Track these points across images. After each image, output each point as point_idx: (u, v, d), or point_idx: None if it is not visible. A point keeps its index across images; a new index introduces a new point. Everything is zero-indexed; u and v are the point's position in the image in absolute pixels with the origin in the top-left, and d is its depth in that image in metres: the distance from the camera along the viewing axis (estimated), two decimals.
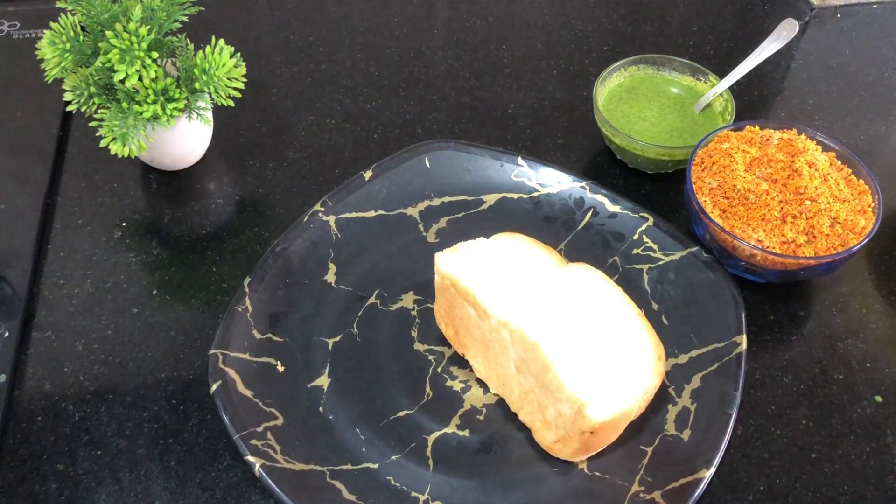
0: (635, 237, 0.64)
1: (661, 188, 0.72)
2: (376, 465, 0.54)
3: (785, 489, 0.54)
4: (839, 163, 0.64)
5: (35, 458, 0.54)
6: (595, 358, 0.52)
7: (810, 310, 0.64)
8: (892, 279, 0.66)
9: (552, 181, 0.68)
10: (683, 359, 0.58)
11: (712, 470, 0.51)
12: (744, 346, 0.56)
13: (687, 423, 0.54)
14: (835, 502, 0.54)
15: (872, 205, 0.61)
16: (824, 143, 0.65)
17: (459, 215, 0.67)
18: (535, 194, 0.68)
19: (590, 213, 0.66)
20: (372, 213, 0.66)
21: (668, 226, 0.64)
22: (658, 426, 0.55)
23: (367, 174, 0.67)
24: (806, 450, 0.56)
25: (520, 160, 0.68)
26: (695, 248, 0.62)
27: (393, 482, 0.53)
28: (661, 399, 0.56)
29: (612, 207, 0.66)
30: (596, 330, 0.53)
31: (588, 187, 0.67)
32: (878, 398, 0.59)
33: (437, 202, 0.68)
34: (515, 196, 0.68)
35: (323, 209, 0.65)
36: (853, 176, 0.63)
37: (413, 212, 0.67)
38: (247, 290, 0.59)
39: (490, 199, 0.68)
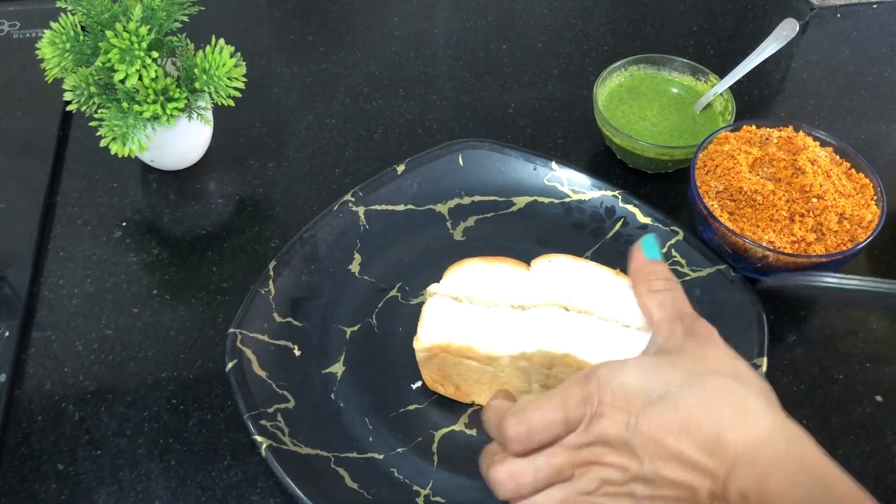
0: (664, 251, 0.64)
1: (662, 188, 0.72)
2: (381, 456, 0.54)
3: None
4: (838, 157, 0.64)
5: (35, 457, 0.54)
6: (611, 332, 0.51)
7: (810, 310, 0.64)
8: (892, 279, 0.66)
9: (584, 188, 0.67)
10: None
11: None
12: (764, 368, 0.56)
13: None
14: None
15: (875, 197, 0.61)
16: (822, 138, 0.65)
17: (488, 215, 0.67)
18: (567, 200, 0.67)
19: (620, 223, 0.66)
20: (402, 207, 0.67)
21: (698, 242, 0.63)
22: None
23: (400, 168, 0.67)
24: None
25: (553, 165, 0.68)
26: (723, 266, 0.61)
27: (396, 474, 0.53)
28: None
29: (643, 219, 0.65)
30: (593, 308, 0.53)
31: (620, 197, 0.66)
32: (878, 398, 0.59)
33: (467, 200, 0.68)
34: (546, 200, 0.68)
35: (353, 199, 0.65)
36: (853, 170, 0.63)
37: (442, 208, 0.67)
38: (271, 273, 0.60)
39: (520, 201, 0.68)
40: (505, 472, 0.40)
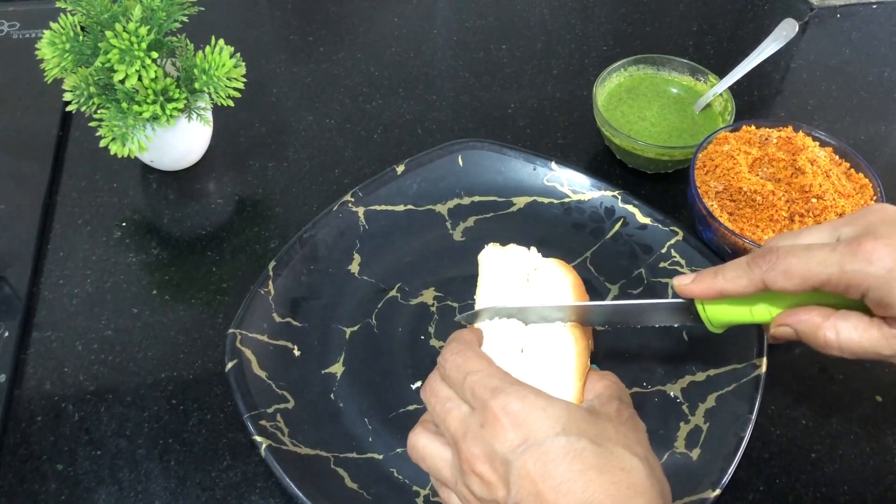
0: (663, 250, 0.64)
1: (661, 188, 0.72)
2: (381, 457, 0.54)
3: (785, 489, 0.54)
4: (837, 157, 0.64)
5: (35, 458, 0.54)
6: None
7: None
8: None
9: (584, 188, 0.67)
10: (701, 377, 0.57)
11: (718, 491, 0.50)
12: (763, 368, 0.55)
13: (697, 441, 0.54)
14: (835, 502, 0.54)
15: (875, 197, 0.61)
16: (821, 138, 0.65)
17: (488, 216, 0.67)
18: (566, 200, 0.68)
19: (619, 223, 0.66)
20: (401, 208, 0.67)
21: (697, 242, 0.63)
22: (667, 442, 0.54)
23: (400, 168, 0.67)
24: (806, 450, 0.56)
25: (553, 165, 0.68)
26: None
27: (396, 474, 0.53)
28: (673, 415, 0.56)
29: (643, 219, 0.65)
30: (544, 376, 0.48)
31: (620, 197, 0.66)
32: (878, 398, 0.59)
33: (466, 201, 0.68)
34: (546, 201, 0.68)
35: (353, 199, 0.65)
36: (852, 170, 0.63)
37: (442, 209, 0.67)
38: (271, 273, 0.60)
39: (520, 201, 0.68)
40: (413, 436, 0.45)
